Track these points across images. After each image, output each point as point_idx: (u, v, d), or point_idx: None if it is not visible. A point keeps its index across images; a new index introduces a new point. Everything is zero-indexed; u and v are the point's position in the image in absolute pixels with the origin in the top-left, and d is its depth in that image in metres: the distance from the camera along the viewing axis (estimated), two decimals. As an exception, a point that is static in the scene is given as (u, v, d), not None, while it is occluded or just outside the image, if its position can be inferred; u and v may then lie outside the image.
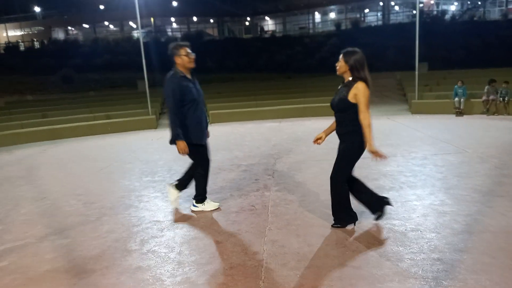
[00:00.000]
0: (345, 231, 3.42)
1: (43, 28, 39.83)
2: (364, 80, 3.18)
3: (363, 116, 3.15)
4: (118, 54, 27.34)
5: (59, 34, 39.84)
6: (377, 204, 3.46)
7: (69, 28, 41.42)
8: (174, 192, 4.20)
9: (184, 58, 3.76)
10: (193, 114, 3.81)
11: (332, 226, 3.51)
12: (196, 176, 4.09)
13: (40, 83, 22.88)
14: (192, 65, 3.81)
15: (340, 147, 3.43)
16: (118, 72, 24.74)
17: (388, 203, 3.48)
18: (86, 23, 40.10)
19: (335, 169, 3.39)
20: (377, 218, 3.48)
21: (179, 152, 3.75)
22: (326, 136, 3.55)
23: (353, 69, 3.22)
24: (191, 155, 3.94)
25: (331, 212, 3.58)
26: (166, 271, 2.94)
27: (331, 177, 3.40)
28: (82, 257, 3.25)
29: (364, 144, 3.24)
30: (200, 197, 4.17)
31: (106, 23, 40.40)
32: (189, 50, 3.79)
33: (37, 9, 40.31)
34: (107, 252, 3.30)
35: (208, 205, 4.19)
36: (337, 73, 3.37)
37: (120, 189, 5.29)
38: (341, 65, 3.29)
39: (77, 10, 39.56)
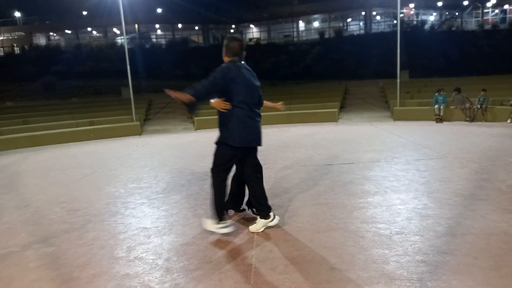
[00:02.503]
0: (331, 236, 3.47)
1: (23, 34, 39.09)
2: None
3: None
4: (102, 60, 27.07)
5: (41, 40, 39.16)
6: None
7: (51, 34, 40.75)
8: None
9: None
10: None
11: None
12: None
13: (21, 90, 22.46)
14: None
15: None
16: (102, 79, 24.50)
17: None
18: (68, 29, 39.57)
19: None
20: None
21: None
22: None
23: None
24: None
25: (317, 216, 3.60)
26: (154, 277, 2.92)
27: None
28: (67, 265, 3.19)
29: None
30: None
31: (89, 29, 39.94)
32: None
33: (17, 14, 39.56)
34: (93, 260, 3.26)
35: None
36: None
37: (105, 196, 5.22)
38: None
39: (60, 16, 39.02)
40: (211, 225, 3.56)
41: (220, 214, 3.53)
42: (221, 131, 3.52)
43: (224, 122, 3.47)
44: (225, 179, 3.58)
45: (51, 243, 3.68)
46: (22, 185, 6.24)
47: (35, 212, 4.70)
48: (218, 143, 3.55)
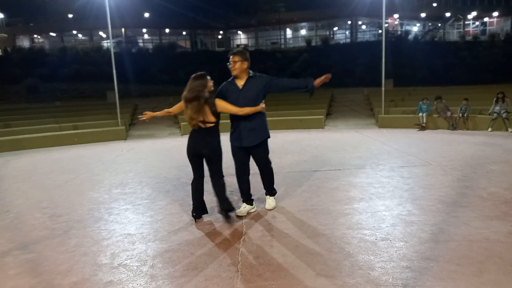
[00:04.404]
0: (317, 242, 3.48)
1: (6, 36, 38.29)
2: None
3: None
4: (87, 64, 26.71)
5: (24, 42, 38.42)
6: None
7: (35, 36, 40.05)
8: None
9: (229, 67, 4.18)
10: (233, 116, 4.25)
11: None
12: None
13: (3, 93, 21.95)
14: (232, 72, 4.23)
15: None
16: (87, 82, 24.16)
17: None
18: (53, 32, 38.94)
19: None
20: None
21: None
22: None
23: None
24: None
25: (303, 223, 3.61)
26: (138, 285, 2.87)
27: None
28: (48, 272, 3.11)
29: None
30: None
31: (74, 32, 39.42)
32: (230, 61, 4.16)
33: (0, 15, 38.77)
34: (76, 267, 3.19)
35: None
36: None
37: (89, 201, 5.13)
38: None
39: (44, 18, 38.40)
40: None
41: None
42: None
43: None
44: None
45: (31, 249, 3.59)
46: (2, 190, 6.07)
47: (16, 217, 4.58)
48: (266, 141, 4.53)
